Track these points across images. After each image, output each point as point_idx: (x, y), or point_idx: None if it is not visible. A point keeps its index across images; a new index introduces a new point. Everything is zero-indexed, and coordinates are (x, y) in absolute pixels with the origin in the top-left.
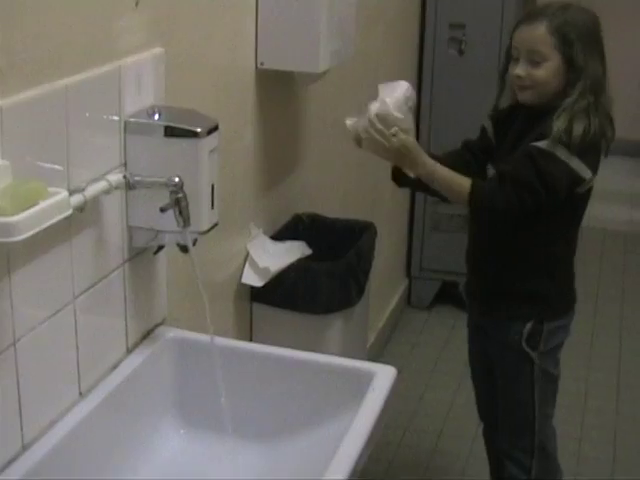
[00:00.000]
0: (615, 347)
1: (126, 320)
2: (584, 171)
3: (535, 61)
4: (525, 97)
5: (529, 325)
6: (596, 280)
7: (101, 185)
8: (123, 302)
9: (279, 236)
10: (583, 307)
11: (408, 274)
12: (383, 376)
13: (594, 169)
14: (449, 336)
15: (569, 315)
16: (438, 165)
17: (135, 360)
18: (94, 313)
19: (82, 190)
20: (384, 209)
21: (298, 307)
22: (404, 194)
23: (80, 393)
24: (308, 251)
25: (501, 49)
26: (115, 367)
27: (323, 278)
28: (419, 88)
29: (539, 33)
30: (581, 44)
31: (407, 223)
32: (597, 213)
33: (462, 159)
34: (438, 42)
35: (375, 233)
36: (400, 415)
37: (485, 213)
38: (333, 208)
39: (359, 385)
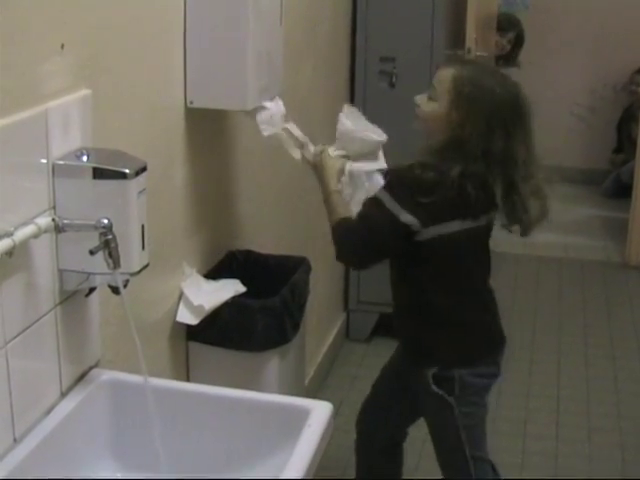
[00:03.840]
0: (554, 373)
1: (59, 364)
2: (402, 215)
3: (431, 96)
4: (416, 125)
5: (434, 370)
6: (533, 308)
7: (30, 229)
8: (56, 346)
9: (213, 274)
10: (520, 334)
11: (346, 307)
12: (319, 412)
13: (422, 219)
14: None
15: (483, 364)
16: (338, 194)
17: (69, 404)
18: (26, 358)
19: (10, 234)
20: (319, 243)
21: (233, 345)
22: None
23: (14, 439)
24: (242, 288)
25: (431, 81)
26: (49, 411)
27: (258, 315)
28: None
29: (445, 73)
30: (470, 107)
31: None
32: (532, 240)
33: None
34: (369, 75)
35: (309, 268)
36: (341, 448)
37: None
38: (267, 244)
39: (295, 422)
